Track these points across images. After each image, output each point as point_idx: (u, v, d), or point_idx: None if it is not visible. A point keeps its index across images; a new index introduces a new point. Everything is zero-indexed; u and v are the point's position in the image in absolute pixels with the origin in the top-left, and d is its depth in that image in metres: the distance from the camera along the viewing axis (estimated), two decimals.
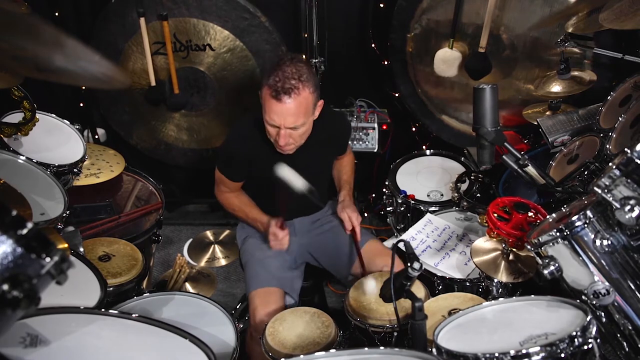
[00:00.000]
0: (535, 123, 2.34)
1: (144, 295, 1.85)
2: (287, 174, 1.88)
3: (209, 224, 3.33)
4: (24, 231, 0.75)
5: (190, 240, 3.00)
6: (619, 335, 1.30)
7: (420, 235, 2.20)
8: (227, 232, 2.96)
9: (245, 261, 2.22)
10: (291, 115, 1.81)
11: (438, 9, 2.71)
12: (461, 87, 2.86)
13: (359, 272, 2.10)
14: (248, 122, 2.09)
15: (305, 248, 2.25)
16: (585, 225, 1.26)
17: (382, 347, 1.53)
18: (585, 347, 1.17)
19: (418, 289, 1.79)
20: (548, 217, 1.43)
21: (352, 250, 2.15)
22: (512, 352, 1.16)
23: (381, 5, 2.91)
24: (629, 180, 1.18)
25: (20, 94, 2.05)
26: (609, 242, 1.24)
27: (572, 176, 1.98)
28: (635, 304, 1.25)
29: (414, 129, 3.20)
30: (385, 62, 3.02)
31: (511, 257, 1.70)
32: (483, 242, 1.80)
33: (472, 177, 2.47)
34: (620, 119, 1.85)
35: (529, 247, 1.43)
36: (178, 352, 1.34)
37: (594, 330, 1.19)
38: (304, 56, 2.80)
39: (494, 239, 1.72)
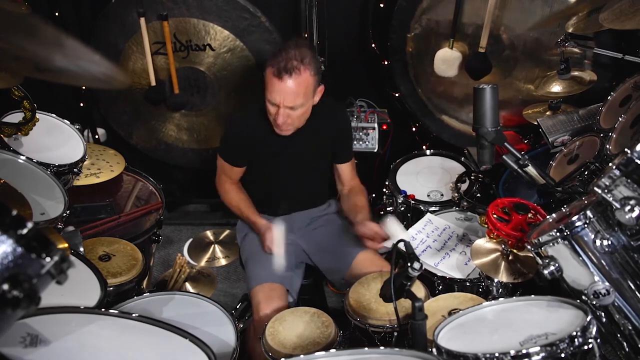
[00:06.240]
0: (536, 123, 2.34)
1: (144, 295, 1.85)
2: (394, 227, 1.93)
3: (209, 223, 3.33)
4: (24, 231, 0.75)
5: (190, 240, 3.00)
6: (619, 335, 1.30)
7: (421, 235, 2.19)
8: (227, 232, 2.96)
9: (245, 258, 2.23)
10: (291, 94, 1.89)
11: (438, 9, 2.71)
12: (461, 87, 2.86)
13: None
14: (250, 109, 2.18)
15: (303, 247, 2.25)
16: (586, 226, 1.26)
17: (382, 347, 1.53)
18: (585, 347, 1.17)
19: (418, 289, 1.79)
20: (548, 217, 1.43)
21: (347, 254, 2.13)
22: (512, 352, 1.16)
23: (381, 5, 2.91)
24: (629, 181, 1.18)
25: (20, 94, 2.05)
26: (609, 242, 1.24)
27: (572, 176, 1.98)
28: (635, 304, 1.25)
29: (414, 129, 3.20)
30: (385, 62, 3.02)
31: (511, 257, 1.70)
32: (483, 243, 1.79)
33: (472, 177, 2.47)
34: (620, 119, 1.85)
35: (529, 247, 1.43)
36: (178, 352, 1.34)
37: (594, 330, 1.19)
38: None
39: (494, 240, 1.72)
